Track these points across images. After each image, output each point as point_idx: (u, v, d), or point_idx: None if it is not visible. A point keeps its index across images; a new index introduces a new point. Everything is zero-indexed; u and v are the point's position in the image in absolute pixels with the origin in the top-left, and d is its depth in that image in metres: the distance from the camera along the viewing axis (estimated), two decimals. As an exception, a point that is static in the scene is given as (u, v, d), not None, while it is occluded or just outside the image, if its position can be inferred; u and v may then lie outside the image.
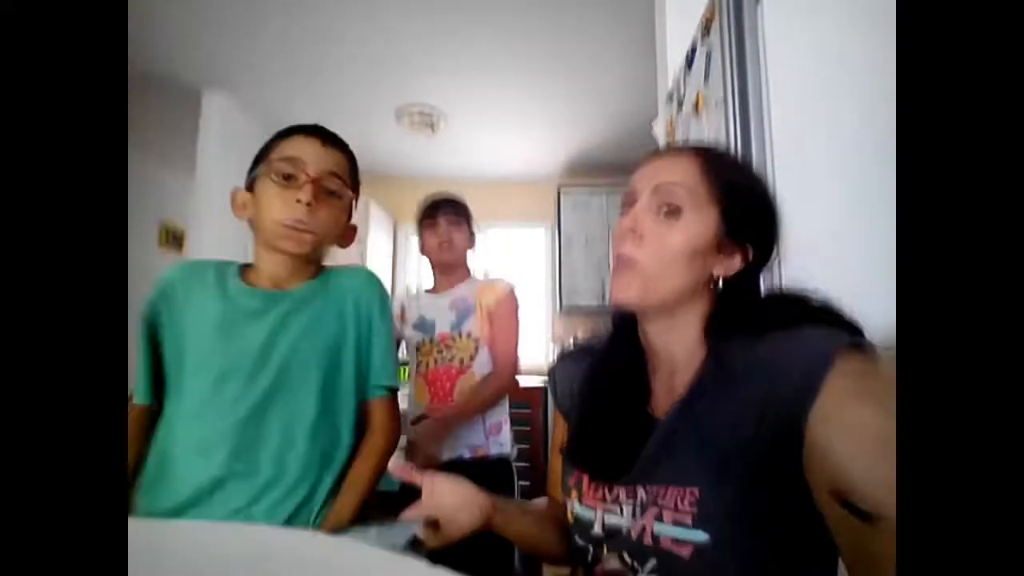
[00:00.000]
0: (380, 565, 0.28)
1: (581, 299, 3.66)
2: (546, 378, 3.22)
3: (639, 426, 0.59)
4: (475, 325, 1.47)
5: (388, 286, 3.93)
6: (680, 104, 1.42)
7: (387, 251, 3.97)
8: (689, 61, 1.33)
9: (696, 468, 0.52)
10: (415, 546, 0.59)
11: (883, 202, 0.85)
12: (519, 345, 1.51)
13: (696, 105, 1.25)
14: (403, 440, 1.49)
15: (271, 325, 0.82)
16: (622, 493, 0.58)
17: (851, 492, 0.42)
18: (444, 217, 1.51)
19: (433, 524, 0.63)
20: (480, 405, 1.42)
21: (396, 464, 0.67)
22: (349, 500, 0.81)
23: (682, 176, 0.58)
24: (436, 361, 1.46)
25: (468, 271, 1.58)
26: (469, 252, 1.58)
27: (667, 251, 0.57)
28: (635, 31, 2.19)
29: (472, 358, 1.46)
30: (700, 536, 0.49)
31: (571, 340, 3.65)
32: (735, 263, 0.59)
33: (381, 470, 0.87)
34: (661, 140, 1.66)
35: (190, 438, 0.77)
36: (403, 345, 1.57)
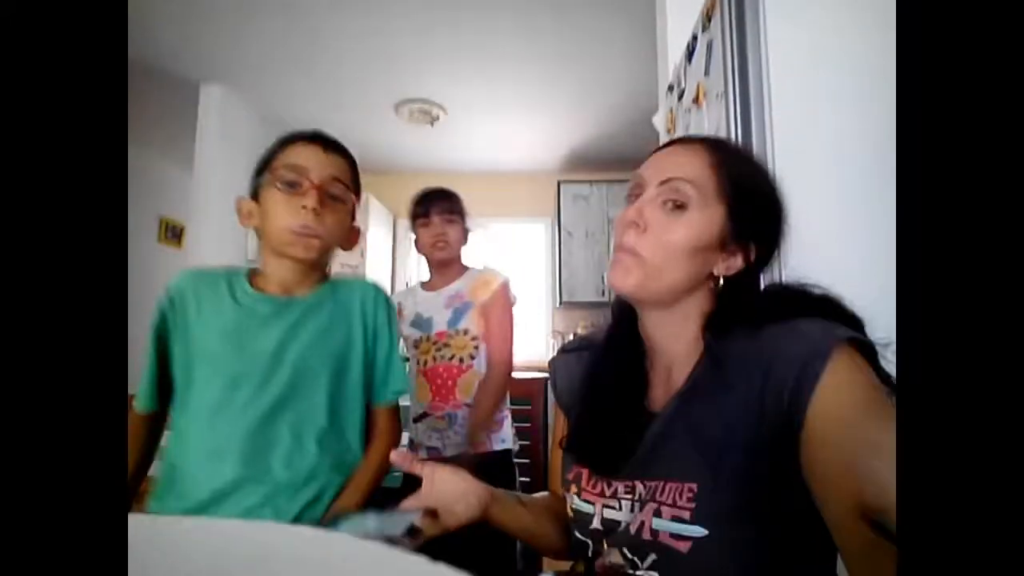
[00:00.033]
0: (381, 562, 0.28)
1: (581, 293, 3.66)
2: (546, 373, 3.22)
3: (636, 420, 0.60)
4: (472, 322, 1.47)
5: (387, 280, 3.94)
6: (681, 96, 1.41)
7: (387, 246, 3.97)
8: (689, 53, 1.32)
9: (693, 463, 0.52)
10: (413, 533, 0.60)
11: (884, 195, 0.85)
12: (513, 339, 1.50)
13: (697, 97, 1.25)
14: (404, 438, 1.50)
15: (283, 331, 0.84)
16: (620, 488, 0.58)
17: (884, 511, 0.39)
18: (438, 214, 1.50)
19: (432, 513, 0.64)
20: (487, 412, 1.41)
21: (398, 453, 0.68)
22: (351, 499, 0.84)
23: (691, 171, 0.58)
24: (435, 359, 1.46)
25: (463, 266, 1.58)
26: (464, 247, 1.58)
27: (669, 244, 0.57)
28: (635, 23, 2.18)
29: (472, 356, 1.46)
30: (698, 531, 0.49)
31: (572, 334, 3.65)
32: (737, 262, 0.59)
33: (383, 474, 0.90)
34: (661, 133, 1.66)
35: (202, 444, 0.79)
36: (401, 342, 1.57)
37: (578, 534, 0.62)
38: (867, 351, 0.49)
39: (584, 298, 3.66)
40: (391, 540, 0.59)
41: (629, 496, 0.57)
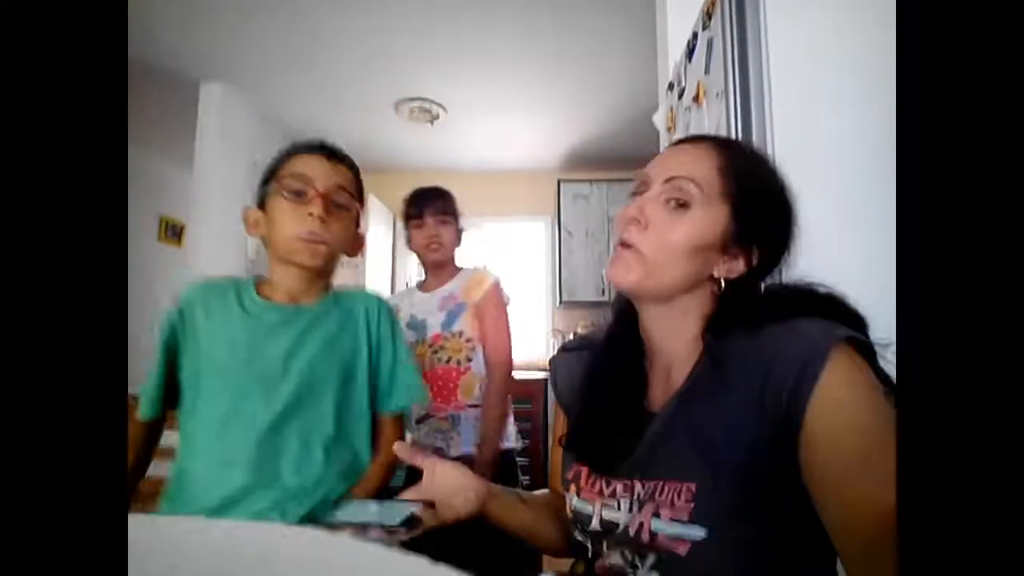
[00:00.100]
0: (382, 562, 0.28)
1: (581, 293, 3.66)
2: (546, 372, 3.22)
3: (635, 420, 0.60)
4: (466, 324, 1.46)
5: (387, 279, 3.93)
6: (681, 95, 1.41)
7: (386, 244, 3.97)
8: (690, 51, 1.32)
9: (692, 464, 0.52)
10: (411, 524, 0.61)
11: (884, 195, 0.85)
12: (510, 338, 1.49)
13: (697, 96, 1.25)
14: (408, 438, 1.50)
15: (290, 339, 0.86)
16: (619, 487, 0.58)
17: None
18: (431, 215, 1.49)
19: (431, 506, 0.65)
20: (497, 416, 1.41)
21: (402, 445, 0.69)
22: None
23: (696, 171, 0.57)
24: (432, 362, 1.46)
25: (457, 266, 1.57)
26: (457, 247, 1.57)
27: (669, 242, 0.57)
28: (635, 21, 2.17)
29: (469, 359, 1.46)
30: (697, 532, 0.49)
31: (572, 334, 3.65)
32: (738, 265, 0.58)
33: (387, 483, 0.92)
34: (662, 131, 1.66)
35: (211, 451, 0.80)
36: None
37: (577, 534, 0.62)
38: (866, 351, 0.49)
39: (584, 297, 3.66)
40: (389, 529, 0.60)
41: (628, 496, 0.57)
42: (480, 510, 0.67)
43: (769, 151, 0.94)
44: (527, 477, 2.77)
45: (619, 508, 0.57)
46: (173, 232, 3.84)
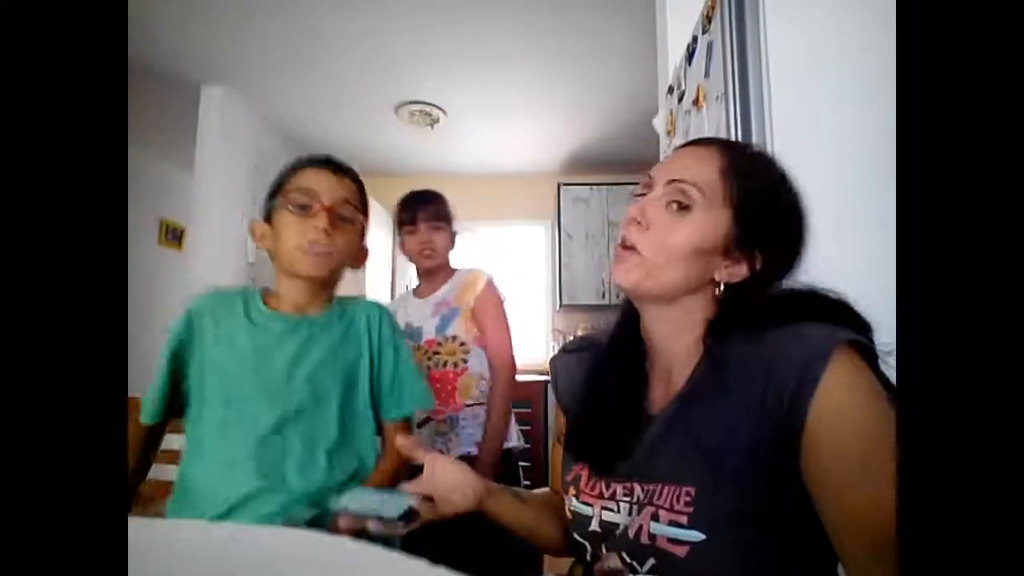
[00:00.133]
0: (383, 565, 0.28)
1: (581, 296, 3.66)
2: (546, 375, 3.21)
3: (635, 421, 0.60)
4: (460, 328, 1.45)
5: (387, 281, 3.93)
6: (681, 98, 1.41)
7: (386, 247, 3.97)
8: (690, 55, 1.32)
9: (691, 467, 0.52)
10: (409, 517, 0.63)
11: (884, 195, 0.85)
12: (511, 336, 1.48)
13: (697, 99, 1.25)
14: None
15: (296, 348, 0.88)
16: (619, 489, 0.58)
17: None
18: (424, 220, 1.48)
19: (430, 500, 0.66)
20: (503, 416, 1.40)
21: (406, 440, 0.70)
22: None
23: (699, 174, 0.57)
24: (428, 367, 1.46)
25: (451, 269, 1.56)
26: (451, 251, 1.56)
27: (669, 244, 0.57)
28: (635, 25, 2.18)
29: (465, 360, 1.45)
30: (696, 536, 0.49)
31: (572, 337, 3.65)
32: (741, 270, 0.58)
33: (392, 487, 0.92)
34: (661, 135, 1.66)
35: (217, 457, 0.82)
36: None
37: (576, 536, 0.62)
38: (868, 354, 0.49)
39: (584, 301, 3.66)
40: (388, 521, 0.62)
41: (627, 499, 0.56)
42: (478, 507, 0.67)
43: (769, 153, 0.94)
44: (527, 480, 2.76)
45: (619, 510, 0.57)
46: (173, 235, 3.85)
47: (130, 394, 0.88)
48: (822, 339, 0.48)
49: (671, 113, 1.51)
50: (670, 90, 1.52)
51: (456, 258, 1.60)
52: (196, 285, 2.62)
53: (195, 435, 0.85)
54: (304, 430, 0.84)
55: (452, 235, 1.55)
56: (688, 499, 0.50)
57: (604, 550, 0.58)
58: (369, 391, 0.93)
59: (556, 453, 0.73)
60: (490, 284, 1.50)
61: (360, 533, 0.81)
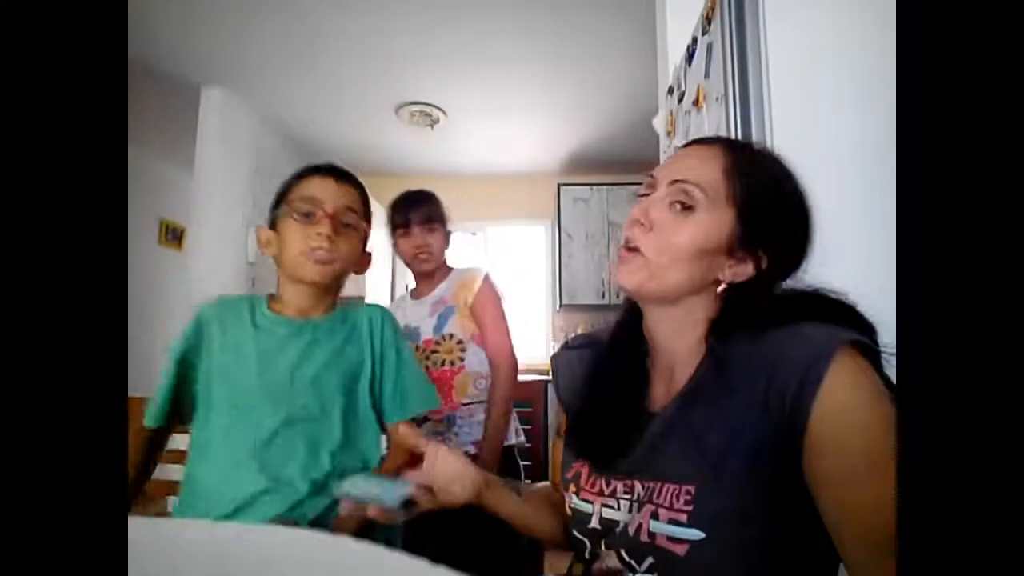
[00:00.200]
0: (383, 565, 0.28)
1: (581, 296, 3.66)
2: (546, 375, 3.21)
3: (635, 419, 0.60)
4: (457, 326, 1.45)
5: (387, 283, 3.93)
6: (681, 99, 1.41)
7: (386, 248, 3.96)
8: (690, 55, 1.32)
9: (692, 465, 0.52)
10: (408, 504, 0.64)
11: (884, 195, 0.85)
12: (510, 333, 1.47)
13: (697, 100, 1.25)
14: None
15: (299, 351, 0.90)
16: (619, 487, 0.58)
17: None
18: (417, 223, 1.47)
19: (429, 489, 0.66)
20: (501, 414, 1.40)
21: (410, 430, 0.70)
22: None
23: (702, 174, 0.57)
24: (427, 367, 1.45)
25: (447, 268, 1.55)
26: (447, 251, 1.55)
27: (673, 245, 0.57)
28: (635, 25, 2.18)
29: (462, 358, 1.44)
30: (695, 534, 0.49)
31: (572, 335, 3.64)
32: (746, 270, 0.58)
33: None
34: (661, 135, 1.66)
35: (223, 459, 0.83)
36: None
37: (576, 533, 0.62)
38: (871, 355, 0.49)
39: (584, 301, 3.66)
40: (388, 508, 0.63)
41: (628, 496, 0.56)
42: (477, 499, 0.68)
43: (769, 154, 0.93)
44: (528, 479, 2.76)
45: (619, 508, 0.57)
46: (173, 235, 3.85)
47: (130, 394, 0.88)
48: (825, 339, 0.48)
49: (671, 113, 1.51)
50: (670, 91, 1.52)
51: (454, 258, 1.60)
52: (196, 285, 2.62)
53: (201, 438, 0.87)
54: (308, 432, 0.85)
55: (447, 234, 1.54)
56: (688, 498, 0.50)
57: (604, 547, 0.58)
58: (371, 393, 0.95)
59: (558, 447, 0.73)
60: (488, 281, 1.49)
61: (361, 532, 0.81)
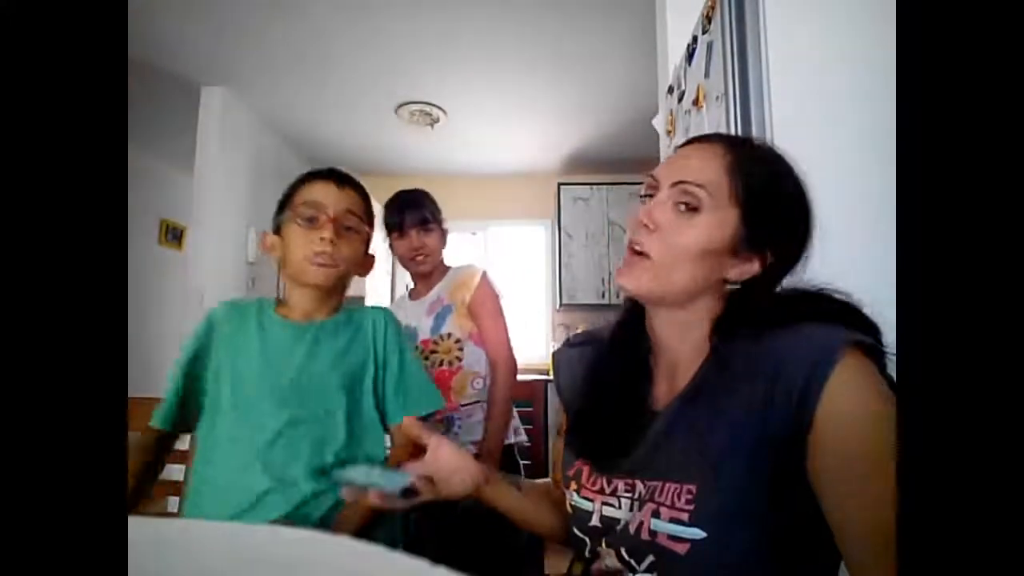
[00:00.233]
0: (384, 565, 0.28)
1: (581, 295, 3.66)
2: (546, 375, 3.21)
3: (637, 418, 0.60)
4: (454, 326, 1.45)
5: (387, 283, 3.93)
6: (681, 98, 1.41)
7: (385, 249, 3.96)
8: (689, 55, 1.32)
9: (693, 464, 0.52)
10: (408, 494, 0.65)
11: (884, 195, 0.85)
12: (508, 331, 1.47)
13: (697, 99, 1.25)
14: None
15: (303, 353, 0.91)
16: (620, 485, 0.58)
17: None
18: (412, 225, 1.47)
19: (430, 480, 0.67)
20: (502, 413, 1.39)
21: (412, 420, 0.73)
22: (364, 506, 0.85)
23: (705, 175, 0.57)
24: (425, 367, 1.46)
25: (444, 267, 1.55)
26: (444, 250, 1.55)
27: (678, 246, 0.56)
28: (635, 25, 2.18)
29: (459, 358, 1.44)
30: (696, 533, 0.49)
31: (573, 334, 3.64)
32: (751, 268, 0.58)
33: None
34: (661, 135, 1.66)
35: (229, 461, 0.84)
36: None
37: (576, 531, 0.62)
38: (876, 355, 0.49)
39: (584, 300, 3.66)
40: (388, 495, 0.64)
41: (629, 495, 0.56)
42: (477, 493, 0.69)
43: (769, 153, 0.93)
44: (528, 478, 2.75)
45: (619, 506, 0.57)
46: (174, 235, 3.85)
47: (130, 394, 0.89)
48: (830, 339, 0.48)
49: (671, 113, 1.51)
50: (670, 90, 1.52)
51: (454, 257, 1.60)
52: (196, 285, 2.63)
53: (207, 440, 0.88)
54: (312, 432, 0.86)
55: (443, 234, 1.54)
56: (690, 496, 0.50)
57: (604, 545, 0.58)
58: (375, 394, 0.95)
59: (559, 446, 0.73)
60: (485, 279, 1.48)
61: (362, 532, 0.81)
